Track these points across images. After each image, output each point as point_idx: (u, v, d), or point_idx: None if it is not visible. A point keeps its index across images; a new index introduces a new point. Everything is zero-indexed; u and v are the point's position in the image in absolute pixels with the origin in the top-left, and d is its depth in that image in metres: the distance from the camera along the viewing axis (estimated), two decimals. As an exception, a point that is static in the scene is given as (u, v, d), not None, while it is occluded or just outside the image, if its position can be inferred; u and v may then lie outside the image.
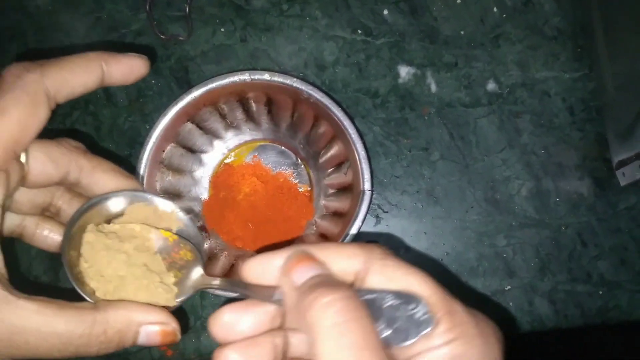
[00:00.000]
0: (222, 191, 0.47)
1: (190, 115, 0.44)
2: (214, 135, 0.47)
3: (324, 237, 0.44)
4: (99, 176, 0.32)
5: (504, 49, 0.50)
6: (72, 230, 0.31)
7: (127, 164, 0.48)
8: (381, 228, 0.47)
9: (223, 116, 0.46)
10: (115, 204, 0.33)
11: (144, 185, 0.41)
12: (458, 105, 0.49)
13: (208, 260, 0.44)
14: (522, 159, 0.48)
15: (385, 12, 0.50)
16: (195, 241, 0.34)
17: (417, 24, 0.50)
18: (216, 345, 0.46)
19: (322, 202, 0.47)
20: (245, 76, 0.42)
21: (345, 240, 0.41)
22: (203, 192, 0.47)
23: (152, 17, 0.50)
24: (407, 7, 0.50)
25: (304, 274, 0.23)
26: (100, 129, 0.49)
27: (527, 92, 0.49)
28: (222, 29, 0.50)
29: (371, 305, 0.22)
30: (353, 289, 0.23)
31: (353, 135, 0.41)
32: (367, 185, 0.41)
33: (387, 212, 0.48)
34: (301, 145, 0.47)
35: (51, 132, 0.49)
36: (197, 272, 0.33)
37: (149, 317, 0.29)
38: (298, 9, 0.50)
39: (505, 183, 0.48)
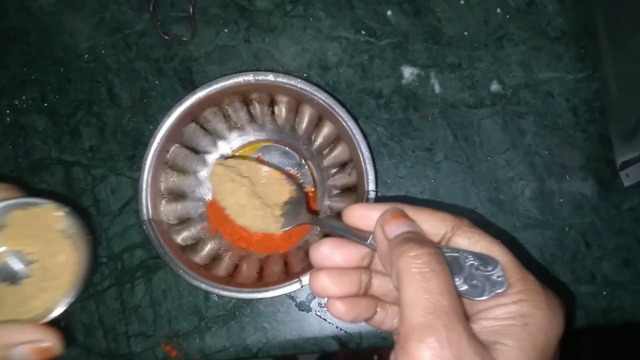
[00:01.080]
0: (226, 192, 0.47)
1: (194, 116, 0.44)
2: (217, 136, 0.47)
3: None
4: None
5: (508, 49, 0.50)
6: None
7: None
8: (385, 229, 0.47)
9: (227, 117, 0.46)
10: None
11: (147, 187, 0.42)
12: (462, 105, 0.49)
13: (212, 261, 0.44)
14: (525, 160, 0.48)
15: (389, 12, 0.50)
16: (78, 236, 0.36)
17: (421, 24, 0.50)
18: (220, 346, 0.46)
19: (327, 202, 0.47)
20: (249, 77, 0.42)
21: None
22: (207, 192, 0.47)
23: (156, 17, 0.50)
24: (411, 8, 0.50)
25: (397, 228, 0.26)
26: (104, 129, 0.49)
27: (531, 93, 0.49)
28: (226, 30, 0.50)
29: (454, 262, 0.25)
30: (438, 246, 0.25)
31: (357, 136, 0.41)
32: (371, 186, 0.41)
33: (390, 212, 0.48)
34: (305, 146, 0.47)
35: (55, 132, 0.49)
36: (301, 208, 0.38)
37: (18, 338, 0.29)
38: (301, 9, 0.50)
39: (509, 184, 0.48)
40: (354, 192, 0.44)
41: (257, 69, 0.49)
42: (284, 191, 0.41)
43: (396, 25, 0.50)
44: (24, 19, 0.51)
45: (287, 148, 0.48)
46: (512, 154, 0.48)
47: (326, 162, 0.46)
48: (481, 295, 0.24)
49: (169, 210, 0.43)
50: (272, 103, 0.45)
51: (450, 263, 0.25)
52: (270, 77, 0.42)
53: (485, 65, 0.49)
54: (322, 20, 0.50)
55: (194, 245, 0.44)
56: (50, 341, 0.30)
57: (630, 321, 0.46)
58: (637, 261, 0.47)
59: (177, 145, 0.44)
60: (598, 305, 0.46)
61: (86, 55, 0.50)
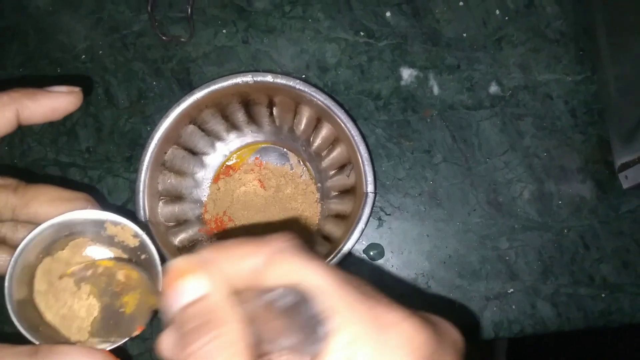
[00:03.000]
0: (224, 194, 0.47)
1: (192, 117, 0.44)
2: (215, 137, 0.47)
3: (327, 240, 0.44)
4: (36, 209, 0.31)
5: (506, 51, 0.50)
6: (16, 267, 0.31)
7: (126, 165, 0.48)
8: (383, 231, 0.47)
9: (225, 118, 0.46)
10: (53, 236, 0.33)
11: (144, 188, 0.41)
12: (460, 107, 0.49)
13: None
14: (524, 162, 0.48)
15: (388, 14, 0.50)
16: (150, 255, 0.34)
17: (420, 26, 0.50)
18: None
19: (325, 204, 0.46)
20: (247, 78, 0.42)
21: (348, 243, 0.40)
22: (205, 194, 0.47)
23: (154, 18, 0.50)
24: (410, 9, 0.50)
25: (178, 299, 0.20)
26: (101, 130, 0.49)
27: (530, 94, 0.49)
28: (224, 31, 0.50)
29: (271, 309, 0.19)
30: (229, 324, 0.20)
31: (356, 137, 0.41)
32: (370, 188, 0.41)
33: (389, 214, 0.47)
34: (303, 148, 0.47)
35: (51, 133, 0.49)
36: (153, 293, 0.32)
37: None
38: (300, 10, 0.50)
39: (508, 186, 0.48)
40: (352, 193, 0.44)
41: (256, 70, 0.49)
42: (126, 278, 0.33)
43: (395, 26, 0.50)
44: (20, 19, 0.51)
45: (285, 149, 0.48)
46: (510, 156, 0.48)
47: (325, 163, 0.46)
48: (314, 346, 0.18)
49: (166, 212, 0.43)
50: (271, 104, 0.45)
51: (271, 312, 0.19)
52: (269, 78, 0.42)
53: (484, 67, 0.49)
54: (320, 22, 0.50)
55: (192, 247, 0.44)
56: None
57: (629, 323, 0.46)
58: (636, 263, 0.47)
59: (174, 146, 0.44)
60: (597, 307, 0.46)
61: (83, 56, 0.50)
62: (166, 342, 0.22)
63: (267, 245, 0.21)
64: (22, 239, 0.31)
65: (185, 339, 0.19)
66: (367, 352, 0.18)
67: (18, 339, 0.30)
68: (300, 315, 0.18)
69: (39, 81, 0.49)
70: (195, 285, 0.20)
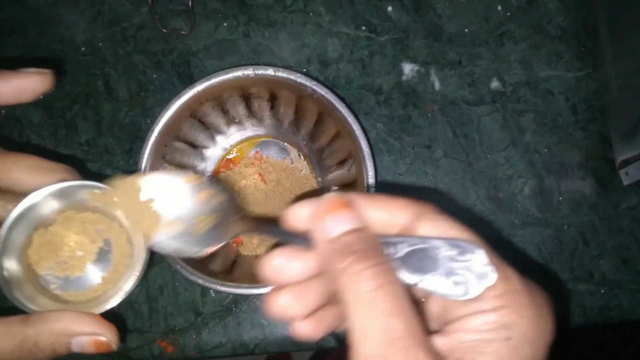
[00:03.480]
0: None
1: (193, 110, 0.43)
2: (216, 130, 0.47)
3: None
4: (18, 176, 0.31)
5: (508, 47, 0.49)
6: (5, 237, 0.31)
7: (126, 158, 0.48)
8: (384, 226, 0.47)
9: (225, 111, 0.46)
10: (46, 208, 0.33)
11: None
12: (461, 103, 0.49)
13: (209, 256, 0.44)
14: (525, 158, 0.48)
15: (389, 8, 0.50)
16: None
17: (421, 21, 0.50)
18: (217, 342, 0.46)
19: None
20: (249, 71, 0.41)
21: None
22: (204, 188, 0.47)
23: (155, 10, 0.49)
24: (411, 4, 0.50)
25: (337, 225, 0.22)
26: (100, 123, 0.48)
27: (531, 90, 0.49)
28: (225, 24, 0.50)
29: (424, 256, 0.21)
30: (404, 238, 0.22)
31: (357, 132, 0.41)
32: (371, 182, 0.41)
33: (389, 209, 0.47)
34: (304, 142, 0.47)
35: (51, 125, 0.49)
36: (231, 215, 0.31)
37: (80, 329, 0.29)
38: (301, 4, 0.50)
39: (508, 181, 0.48)
40: (353, 188, 0.44)
41: (256, 64, 0.49)
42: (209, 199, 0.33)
43: (397, 21, 0.50)
44: (20, 11, 0.50)
45: (285, 143, 0.48)
46: (511, 152, 0.48)
47: (325, 157, 0.46)
48: (466, 293, 0.20)
49: (166, 205, 0.43)
50: (272, 98, 0.45)
51: (421, 258, 0.21)
52: (270, 71, 0.41)
53: (485, 62, 0.49)
54: (322, 16, 0.50)
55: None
56: (109, 337, 0.30)
57: (628, 320, 0.46)
58: (636, 260, 0.47)
59: (174, 139, 0.44)
60: (596, 303, 0.46)
61: (83, 48, 0.50)
62: (297, 266, 0.24)
63: (415, 205, 0.22)
64: (9, 213, 0.31)
65: (348, 259, 0.20)
66: (521, 302, 0.20)
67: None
68: (460, 264, 0.20)
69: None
70: (352, 218, 0.22)
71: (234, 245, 0.46)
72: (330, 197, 0.22)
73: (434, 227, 0.22)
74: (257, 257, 0.45)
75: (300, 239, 0.24)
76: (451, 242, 0.21)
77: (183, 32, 0.49)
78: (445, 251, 0.21)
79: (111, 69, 0.49)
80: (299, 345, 0.46)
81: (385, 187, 0.47)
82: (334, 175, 0.46)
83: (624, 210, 0.47)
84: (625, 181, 0.46)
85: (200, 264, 0.42)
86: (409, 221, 0.22)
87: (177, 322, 0.45)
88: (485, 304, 0.20)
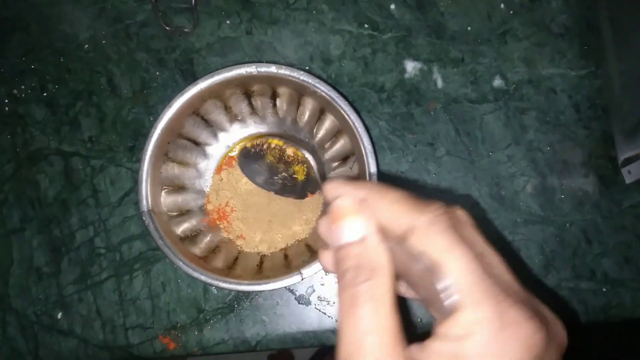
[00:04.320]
0: (226, 184, 0.47)
1: (195, 107, 0.43)
2: (218, 127, 0.47)
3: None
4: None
5: (511, 45, 0.49)
6: None
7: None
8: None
9: (228, 109, 0.46)
10: None
11: (147, 178, 0.41)
12: (464, 101, 0.49)
13: (211, 253, 0.44)
14: (527, 156, 0.48)
15: (392, 6, 0.50)
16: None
17: (424, 19, 0.50)
18: (219, 339, 0.46)
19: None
20: (251, 68, 0.41)
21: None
22: (207, 184, 0.47)
23: (158, 8, 0.49)
24: (414, 2, 0.50)
25: (341, 235, 0.23)
26: (103, 120, 0.48)
27: (534, 89, 0.49)
28: (228, 22, 0.50)
29: (413, 263, 0.22)
30: (382, 269, 0.22)
31: (359, 129, 0.41)
32: (373, 180, 0.41)
33: (391, 207, 0.47)
34: (306, 139, 0.47)
35: (54, 122, 0.49)
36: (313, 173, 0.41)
37: None
38: (304, 2, 0.50)
39: (511, 179, 0.47)
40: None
41: (259, 61, 0.49)
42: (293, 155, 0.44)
43: (399, 19, 0.50)
44: (23, 8, 0.50)
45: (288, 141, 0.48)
46: (514, 150, 0.48)
47: (328, 155, 0.46)
48: (433, 310, 0.21)
49: (168, 202, 0.43)
50: (274, 95, 0.45)
51: (411, 265, 0.22)
52: (273, 68, 0.41)
53: (488, 60, 0.49)
54: (324, 13, 0.50)
55: (194, 237, 0.44)
56: None
57: (630, 318, 0.46)
58: (638, 259, 0.47)
59: (177, 136, 0.44)
60: (598, 302, 0.46)
61: (86, 45, 0.50)
62: (326, 259, 0.25)
63: (424, 212, 0.22)
64: None
65: (341, 273, 0.22)
66: (485, 337, 0.20)
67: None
68: (432, 283, 0.21)
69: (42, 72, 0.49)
70: (355, 227, 0.23)
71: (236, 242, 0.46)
72: (339, 203, 0.24)
73: (423, 236, 0.22)
74: (259, 254, 0.45)
75: None
76: (425, 258, 0.21)
77: (186, 30, 0.49)
78: (424, 265, 0.21)
79: (114, 66, 0.49)
80: (301, 343, 0.46)
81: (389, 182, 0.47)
82: (337, 172, 0.46)
83: (627, 209, 0.47)
84: (628, 179, 0.46)
85: (203, 261, 0.42)
86: (408, 226, 0.22)
87: (180, 319, 0.46)
88: (450, 329, 0.20)
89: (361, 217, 0.23)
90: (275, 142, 0.44)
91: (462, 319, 0.20)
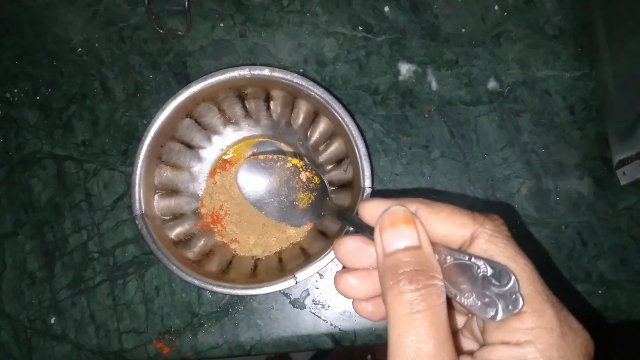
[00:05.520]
0: (220, 188, 0.46)
1: (189, 110, 0.43)
2: (212, 131, 0.47)
3: (323, 234, 0.44)
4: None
5: (505, 47, 0.49)
6: None
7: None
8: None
9: (222, 112, 0.46)
10: None
11: (140, 182, 0.41)
12: (459, 103, 0.48)
13: (205, 257, 0.44)
14: (522, 158, 0.48)
15: (386, 9, 0.50)
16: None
17: (418, 21, 0.50)
18: (213, 343, 0.46)
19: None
20: (245, 71, 0.41)
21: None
22: (201, 188, 0.47)
23: (151, 11, 0.49)
24: (408, 4, 0.50)
25: (394, 240, 0.23)
26: (97, 123, 0.48)
27: (528, 90, 0.49)
28: (222, 24, 0.50)
29: (465, 271, 0.22)
30: (451, 251, 0.23)
31: (354, 132, 0.41)
32: (367, 183, 0.41)
33: (386, 210, 0.47)
34: (300, 142, 0.47)
35: (47, 126, 0.49)
36: (325, 197, 0.39)
37: None
38: (298, 4, 0.50)
39: (506, 182, 0.47)
40: (350, 188, 0.43)
41: (253, 64, 0.49)
42: (308, 180, 0.42)
43: (393, 21, 0.50)
44: (16, 11, 0.50)
45: (282, 144, 0.48)
46: (508, 152, 0.48)
47: (322, 158, 0.46)
48: (494, 317, 0.21)
49: (162, 206, 0.43)
50: (268, 98, 0.45)
51: (462, 272, 0.22)
52: (266, 71, 0.41)
53: (482, 62, 0.49)
54: (318, 16, 0.50)
55: (187, 241, 0.43)
56: None
57: (626, 320, 0.46)
58: (633, 260, 0.47)
59: (171, 140, 0.44)
60: (593, 303, 0.46)
61: (79, 49, 0.50)
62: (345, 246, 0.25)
63: (486, 222, 0.23)
64: None
65: (396, 278, 0.22)
66: (548, 343, 0.20)
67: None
68: (494, 287, 0.21)
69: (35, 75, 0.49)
70: (410, 234, 0.23)
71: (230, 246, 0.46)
72: (394, 210, 0.23)
73: (488, 243, 0.22)
74: (253, 257, 0.45)
75: (370, 232, 0.25)
76: (492, 263, 0.21)
77: (179, 33, 0.49)
78: (483, 271, 0.21)
79: (107, 69, 0.49)
80: (295, 346, 0.45)
81: (382, 188, 0.47)
82: (331, 175, 0.46)
83: (622, 210, 0.47)
84: (623, 181, 0.46)
85: (197, 265, 0.42)
86: (469, 236, 0.23)
87: (174, 323, 0.45)
88: (512, 335, 0.21)
89: (417, 225, 0.23)
90: (294, 162, 0.41)
91: (524, 325, 0.20)
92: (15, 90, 0.49)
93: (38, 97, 0.49)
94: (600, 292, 0.46)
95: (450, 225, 0.23)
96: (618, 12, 0.46)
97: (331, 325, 0.45)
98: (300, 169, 0.41)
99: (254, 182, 0.42)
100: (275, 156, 0.42)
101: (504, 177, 0.47)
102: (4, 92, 0.49)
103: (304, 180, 0.41)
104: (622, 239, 0.47)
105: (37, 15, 0.50)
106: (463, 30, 0.50)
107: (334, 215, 0.37)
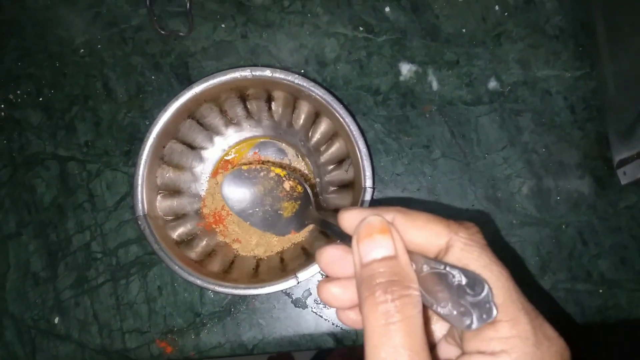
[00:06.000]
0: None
1: (191, 111, 0.44)
2: (214, 131, 0.47)
3: (324, 235, 0.44)
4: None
5: (506, 47, 0.50)
6: None
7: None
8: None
9: (223, 112, 0.46)
10: None
11: (143, 182, 0.41)
12: (459, 103, 0.49)
13: (207, 257, 0.44)
14: (523, 158, 0.48)
15: (387, 9, 0.50)
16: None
17: (419, 21, 0.50)
18: (216, 342, 0.46)
19: (324, 198, 0.46)
20: (246, 72, 0.42)
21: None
22: (203, 188, 0.47)
23: (153, 12, 0.49)
24: (409, 5, 0.50)
25: (371, 251, 0.22)
26: (99, 124, 0.48)
27: (529, 90, 0.49)
28: (223, 25, 0.50)
29: (441, 280, 0.22)
30: (410, 288, 0.22)
31: (355, 132, 0.41)
32: (368, 183, 0.41)
33: (387, 209, 0.47)
34: (302, 142, 0.47)
35: (50, 127, 0.49)
36: (308, 206, 0.39)
37: None
38: (299, 5, 0.50)
39: (507, 181, 0.48)
40: (351, 188, 0.44)
41: (254, 65, 0.49)
42: (291, 188, 0.41)
43: (394, 21, 0.50)
44: (18, 13, 0.51)
45: (283, 144, 0.48)
46: (509, 152, 0.48)
47: (323, 158, 0.46)
48: (469, 326, 0.21)
49: (164, 206, 0.43)
50: (269, 99, 0.45)
51: (438, 281, 0.22)
52: (268, 72, 0.41)
53: (483, 62, 0.49)
54: (319, 16, 0.50)
55: (190, 241, 0.44)
56: None
57: (626, 319, 0.46)
58: (634, 259, 0.47)
59: (173, 140, 0.44)
60: (594, 303, 0.46)
61: (82, 50, 0.50)
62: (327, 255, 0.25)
63: (461, 231, 0.23)
64: None
65: (371, 290, 0.21)
66: (523, 352, 0.20)
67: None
68: (469, 296, 0.21)
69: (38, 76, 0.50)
70: (386, 244, 0.22)
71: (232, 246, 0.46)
72: (370, 220, 0.23)
73: (462, 252, 0.22)
74: (255, 257, 0.45)
75: (350, 241, 0.25)
76: (466, 272, 0.21)
77: (181, 34, 0.49)
78: (458, 280, 0.21)
79: (110, 70, 0.49)
80: (297, 346, 0.46)
81: (383, 187, 0.48)
82: (332, 175, 0.46)
83: (622, 210, 0.47)
84: (623, 180, 0.46)
85: (199, 265, 0.42)
86: (444, 245, 0.23)
87: (176, 323, 0.46)
88: (487, 344, 0.21)
89: (393, 235, 0.23)
90: (277, 171, 0.41)
91: (499, 334, 0.20)
92: (18, 92, 0.49)
93: (41, 99, 0.49)
94: (600, 291, 0.46)
95: (427, 234, 0.23)
96: (618, 12, 0.46)
97: (333, 324, 0.46)
98: (284, 178, 0.41)
99: (239, 193, 0.41)
100: (258, 166, 0.41)
101: (505, 177, 0.48)
102: (7, 94, 0.49)
103: (288, 189, 0.41)
104: (623, 239, 0.47)
105: (39, 17, 0.51)
106: (464, 30, 0.50)
107: (316, 224, 0.37)
